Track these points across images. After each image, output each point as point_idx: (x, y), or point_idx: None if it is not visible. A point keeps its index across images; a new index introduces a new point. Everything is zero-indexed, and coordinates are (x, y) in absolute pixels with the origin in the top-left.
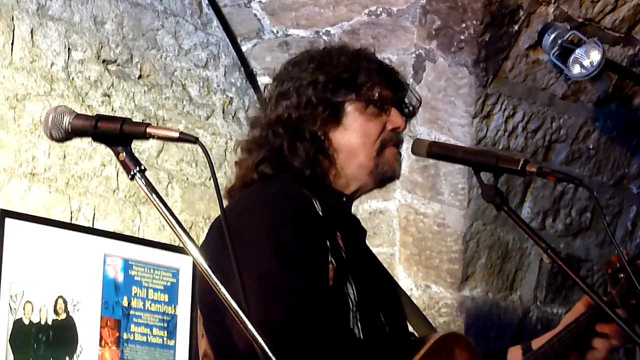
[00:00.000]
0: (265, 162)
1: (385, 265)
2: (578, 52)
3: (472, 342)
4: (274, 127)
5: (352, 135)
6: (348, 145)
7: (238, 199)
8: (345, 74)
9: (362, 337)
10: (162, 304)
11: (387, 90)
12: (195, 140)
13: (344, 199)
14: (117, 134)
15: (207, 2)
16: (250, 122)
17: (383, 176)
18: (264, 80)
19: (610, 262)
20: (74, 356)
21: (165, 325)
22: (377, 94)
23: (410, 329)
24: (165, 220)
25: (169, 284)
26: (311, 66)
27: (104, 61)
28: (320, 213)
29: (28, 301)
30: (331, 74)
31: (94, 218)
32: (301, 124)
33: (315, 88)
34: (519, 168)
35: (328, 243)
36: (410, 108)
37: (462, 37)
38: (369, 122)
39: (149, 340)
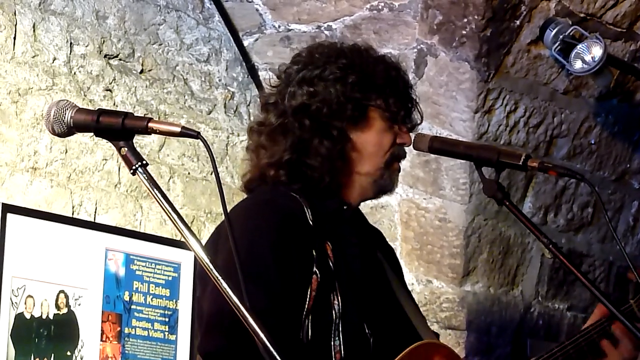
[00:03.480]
0: (285, 168)
1: None
2: (580, 47)
3: (455, 352)
4: (299, 116)
5: (369, 141)
6: (363, 149)
7: (238, 203)
8: (375, 80)
9: (342, 348)
10: (164, 298)
11: (403, 105)
12: (197, 135)
13: (345, 207)
14: (119, 129)
15: None
16: (263, 103)
17: (383, 188)
18: (265, 75)
19: (636, 271)
20: (75, 350)
21: (167, 320)
22: (399, 108)
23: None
24: (167, 214)
25: (170, 278)
26: (342, 61)
27: (105, 56)
28: (311, 223)
29: (29, 295)
30: (362, 76)
31: (95, 212)
32: (330, 120)
33: (345, 86)
34: (521, 163)
35: (314, 253)
36: (411, 125)
37: (464, 32)
38: (385, 133)
39: (150, 335)
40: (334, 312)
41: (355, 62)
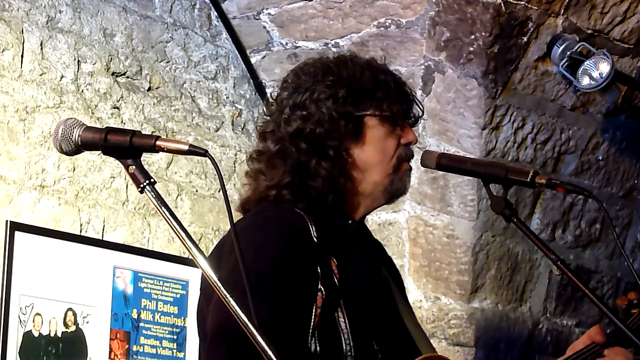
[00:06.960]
0: (288, 188)
1: None
2: (587, 63)
3: None
4: (295, 141)
5: (371, 151)
6: (366, 161)
7: (244, 217)
8: (365, 88)
9: None
10: (172, 316)
11: (400, 104)
12: (204, 152)
13: (350, 222)
14: (126, 147)
15: (216, 14)
16: (260, 132)
17: (395, 193)
18: (273, 92)
19: (625, 297)
20: None
21: (175, 337)
22: (395, 109)
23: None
24: (175, 232)
25: (178, 296)
26: (329, 78)
27: (113, 73)
28: (316, 240)
29: (38, 313)
30: (351, 88)
31: (103, 230)
32: (325, 141)
33: (336, 102)
34: (529, 180)
35: (319, 270)
36: (414, 119)
37: (471, 49)
38: (387, 138)
39: (159, 353)
40: (340, 329)
41: (342, 75)
